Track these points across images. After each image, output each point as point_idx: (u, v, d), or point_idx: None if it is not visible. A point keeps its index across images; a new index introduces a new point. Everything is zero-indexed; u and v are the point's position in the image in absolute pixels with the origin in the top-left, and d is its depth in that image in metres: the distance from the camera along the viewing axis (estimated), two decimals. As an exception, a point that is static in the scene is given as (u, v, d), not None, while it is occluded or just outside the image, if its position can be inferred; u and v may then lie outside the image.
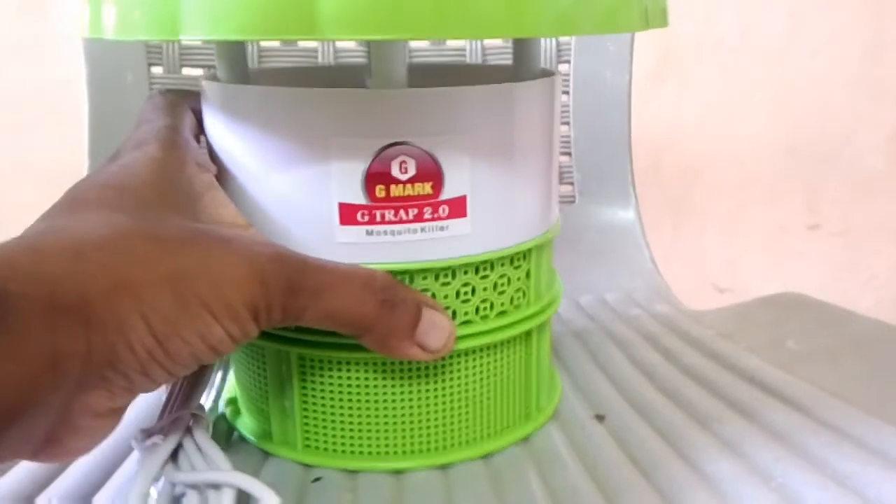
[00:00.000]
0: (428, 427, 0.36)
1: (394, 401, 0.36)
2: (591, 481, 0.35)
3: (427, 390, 0.36)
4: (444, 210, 0.34)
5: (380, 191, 0.33)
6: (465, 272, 0.35)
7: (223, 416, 0.41)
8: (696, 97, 0.95)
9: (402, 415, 0.36)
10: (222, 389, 0.41)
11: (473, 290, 0.35)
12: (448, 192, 0.33)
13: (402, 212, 0.33)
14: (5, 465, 0.35)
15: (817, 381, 0.42)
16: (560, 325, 0.53)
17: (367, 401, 0.36)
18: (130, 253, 0.27)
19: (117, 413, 0.28)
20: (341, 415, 0.36)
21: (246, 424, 0.40)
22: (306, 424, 0.37)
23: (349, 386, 0.36)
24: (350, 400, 0.36)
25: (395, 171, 0.33)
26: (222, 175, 0.36)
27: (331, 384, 0.36)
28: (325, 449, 0.37)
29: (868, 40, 0.95)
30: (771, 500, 0.32)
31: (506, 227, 0.36)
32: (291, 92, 0.33)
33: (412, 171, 0.33)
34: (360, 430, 0.36)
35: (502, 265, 0.36)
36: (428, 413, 0.36)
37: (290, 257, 0.30)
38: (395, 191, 0.33)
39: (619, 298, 0.58)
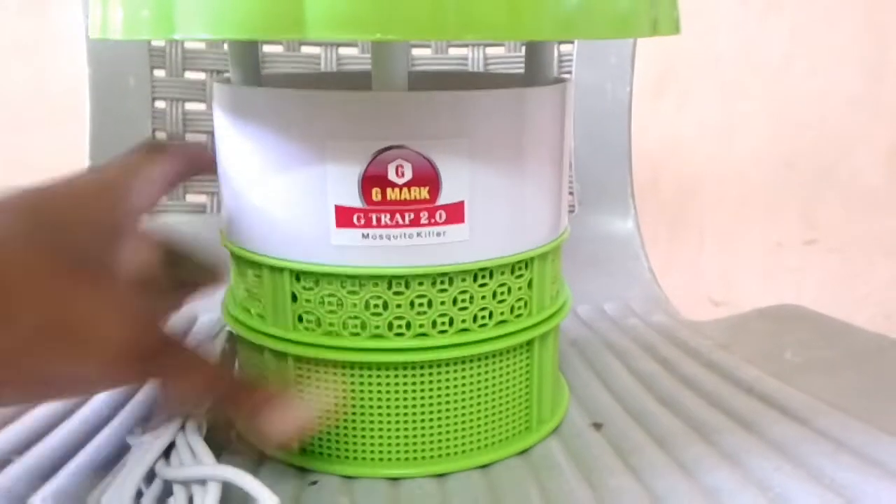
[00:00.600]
0: (423, 435, 0.36)
1: (389, 406, 0.36)
2: (589, 489, 0.34)
3: (422, 398, 0.36)
4: (441, 215, 0.33)
5: (376, 194, 0.33)
6: (463, 279, 0.35)
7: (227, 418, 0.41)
8: (695, 112, 0.95)
9: (398, 421, 0.36)
10: None
11: (471, 298, 0.35)
12: (445, 198, 0.33)
13: (398, 216, 0.33)
14: (33, 481, 0.35)
15: (815, 392, 0.42)
16: (558, 335, 0.53)
17: (363, 405, 0.36)
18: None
19: None
20: (337, 420, 0.36)
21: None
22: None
23: (345, 391, 0.35)
24: (346, 404, 0.36)
25: (392, 175, 0.32)
26: (226, 176, 0.36)
27: (326, 389, 0.36)
28: (322, 454, 0.37)
29: (867, 59, 0.95)
30: (768, 509, 0.32)
31: (507, 235, 0.35)
32: (290, 93, 0.33)
33: (409, 175, 0.33)
34: (356, 436, 0.36)
35: (502, 273, 0.36)
36: (423, 421, 0.36)
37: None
38: (392, 194, 0.33)
39: (618, 308, 0.58)
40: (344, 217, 0.33)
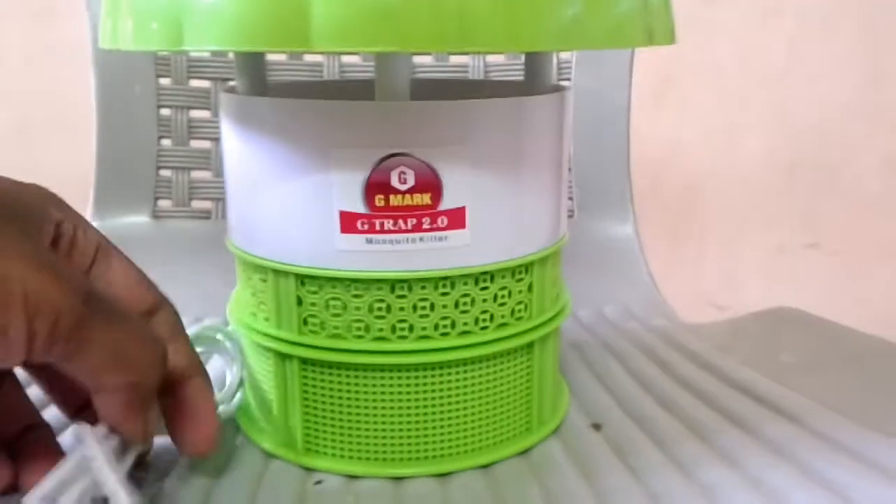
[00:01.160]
0: (426, 435, 0.37)
1: (392, 407, 0.36)
2: (588, 488, 0.35)
3: (425, 399, 0.36)
4: (442, 220, 0.34)
5: (379, 200, 0.33)
6: (465, 283, 0.36)
7: (232, 417, 0.42)
8: (695, 118, 0.96)
9: (401, 422, 0.37)
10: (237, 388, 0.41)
11: (473, 301, 0.36)
12: (447, 203, 0.34)
13: (401, 221, 0.34)
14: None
15: (810, 393, 0.42)
16: (558, 338, 0.54)
17: (367, 406, 0.36)
18: None
19: None
20: (342, 419, 0.37)
21: (251, 426, 0.40)
22: (307, 428, 0.37)
23: (350, 391, 0.36)
24: (350, 404, 0.36)
25: (395, 182, 0.33)
26: (232, 183, 0.37)
27: (332, 388, 0.37)
28: (326, 453, 0.38)
29: (866, 67, 0.96)
30: (762, 506, 0.32)
31: (507, 240, 0.36)
32: (295, 103, 0.34)
33: (411, 182, 0.33)
34: (360, 436, 0.37)
35: (503, 277, 0.37)
36: (426, 421, 0.37)
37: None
38: (395, 200, 0.34)
39: (617, 312, 0.59)
40: (348, 222, 0.34)
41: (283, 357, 0.37)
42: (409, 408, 0.36)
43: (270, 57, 0.65)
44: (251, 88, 0.38)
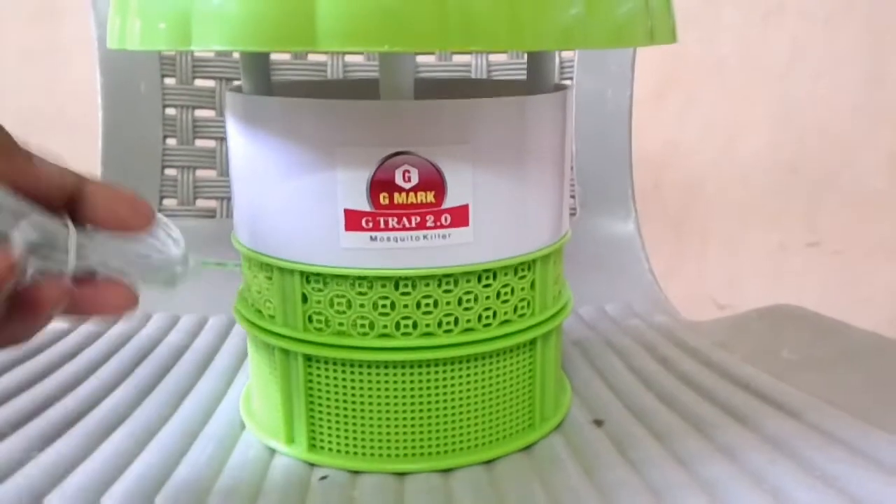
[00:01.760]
0: (429, 431, 0.37)
1: (396, 402, 0.37)
2: (590, 483, 0.35)
3: (428, 395, 0.37)
4: (446, 218, 0.35)
5: (383, 198, 0.34)
6: (468, 280, 0.36)
7: (237, 413, 0.42)
8: (697, 117, 0.96)
9: (405, 418, 0.37)
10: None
11: (476, 298, 0.36)
12: (450, 201, 0.34)
13: (405, 219, 0.34)
14: (53, 477, 0.36)
15: (810, 389, 0.43)
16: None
17: (371, 402, 0.37)
18: None
19: None
20: (345, 415, 0.37)
21: (256, 422, 0.41)
22: (312, 424, 0.38)
23: (353, 387, 0.37)
24: (354, 401, 0.37)
25: (399, 180, 0.34)
26: (238, 181, 0.37)
27: (335, 384, 0.37)
28: (330, 449, 0.38)
29: (868, 66, 0.96)
30: (762, 499, 0.33)
31: (509, 237, 0.37)
32: (301, 103, 0.34)
33: (415, 180, 0.34)
34: (364, 432, 0.37)
35: (505, 274, 0.37)
36: (429, 417, 0.37)
37: None
38: (399, 198, 0.34)
39: (619, 309, 0.59)
40: (353, 220, 0.34)
41: (287, 354, 0.38)
42: (412, 404, 0.37)
43: (275, 56, 0.65)
44: (256, 88, 0.39)
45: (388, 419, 0.37)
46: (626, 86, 0.67)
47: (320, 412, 0.38)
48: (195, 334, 0.54)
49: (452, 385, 0.37)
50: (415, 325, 0.36)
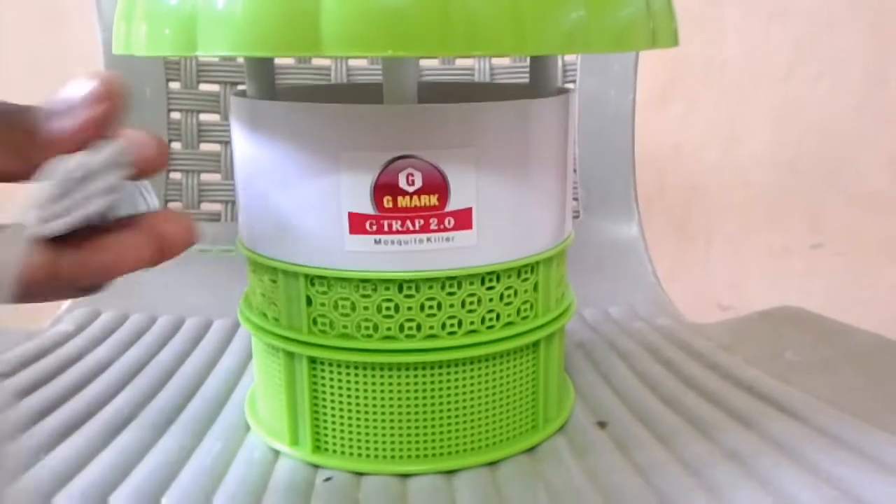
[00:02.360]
0: (432, 433, 0.38)
1: (400, 404, 0.37)
2: (593, 485, 0.36)
3: (432, 397, 0.37)
4: (449, 221, 0.35)
5: (387, 202, 0.34)
6: (471, 283, 0.36)
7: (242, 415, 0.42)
8: (700, 118, 0.96)
9: (408, 419, 0.37)
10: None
11: (479, 301, 0.37)
12: (454, 204, 0.35)
13: (408, 222, 0.34)
14: (60, 478, 0.36)
15: (814, 392, 0.43)
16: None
17: (375, 404, 0.37)
18: None
19: None
20: (349, 417, 0.37)
21: (261, 423, 0.41)
22: (316, 425, 0.38)
23: (357, 389, 0.37)
24: (358, 403, 0.37)
25: (403, 183, 0.34)
26: (243, 185, 0.38)
27: (340, 387, 0.37)
28: (334, 451, 0.38)
29: (871, 67, 0.96)
30: (767, 502, 0.33)
31: (513, 240, 0.37)
32: (305, 107, 0.34)
33: (419, 184, 0.34)
34: (368, 434, 0.37)
35: (509, 277, 0.37)
36: (432, 419, 0.37)
37: None
38: (402, 202, 0.34)
39: (622, 311, 0.59)
40: (357, 224, 0.34)
41: (292, 356, 0.38)
42: (416, 406, 0.37)
43: (279, 60, 0.65)
44: (261, 92, 0.39)
45: (391, 421, 0.37)
46: (629, 88, 0.67)
47: (325, 414, 0.38)
48: (200, 336, 0.55)
49: (456, 387, 0.37)
50: (419, 328, 0.36)
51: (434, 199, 0.34)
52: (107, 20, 0.64)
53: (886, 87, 0.97)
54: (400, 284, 0.35)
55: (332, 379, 0.37)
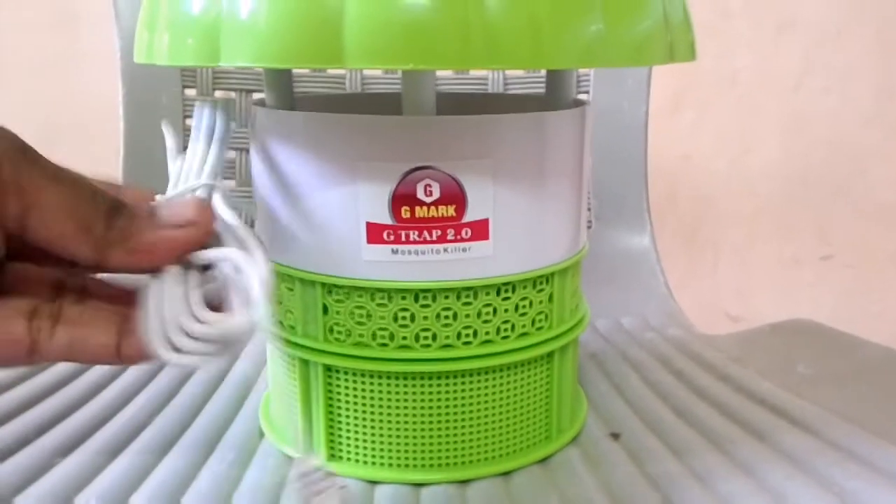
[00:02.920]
0: (446, 442, 0.38)
1: (414, 413, 0.37)
2: (607, 496, 0.36)
3: (446, 406, 0.37)
4: (466, 232, 0.35)
5: (405, 212, 0.34)
6: (487, 293, 0.36)
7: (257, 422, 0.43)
8: (710, 128, 0.97)
9: (423, 429, 0.37)
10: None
11: (495, 311, 0.37)
12: (471, 215, 0.35)
13: (426, 232, 0.35)
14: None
15: (826, 404, 0.43)
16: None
17: (390, 412, 0.37)
18: None
19: None
20: (364, 425, 0.38)
21: (275, 431, 0.41)
22: (331, 434, 0.38)
23: (372, 397, 0.37)
24: (373, 411, 0.37)
25: (420, 194, 0.34)
26: (260, 194, 0.38)
27: (355, 395, 0.37)
28: (348, 458, 0.38)
29: (881, 78, 0.96)
30: (780, 516, 0.33)
31: (529, 251, 0.37)
32: (324, 117, 0.35)
33: (436, 194, 0.34)
34: (382, 442, 0.38)
35: (524, 287, 0.37)
36: (446, 429, 0.37)
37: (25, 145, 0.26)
38: (420, 212, 0.34)
39: (634, 322, 0.60)
40: (374, 233, 0.35)
41: (308, 364, 0.38)
42: (430, 415, 0.37)
43: (295, 70, 0.66)
44: (280, 102, 0.39)
45: (406, 430, 0.37)
46: (643, 100, 0.67)
47: (339, 422, 0.38)
48: (213, 343, 0.55)
49: (471, 397, 0.37)
50: (434, 337, 0.36)
51: (451, 210, 0.35)
52: (125, 27, 0.64)
53: (895, 99, 0.97)
54: (416, 294, 0.36)
55: (347, 387, 0.37)
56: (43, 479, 0.36)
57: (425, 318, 0.36)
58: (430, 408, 0.37)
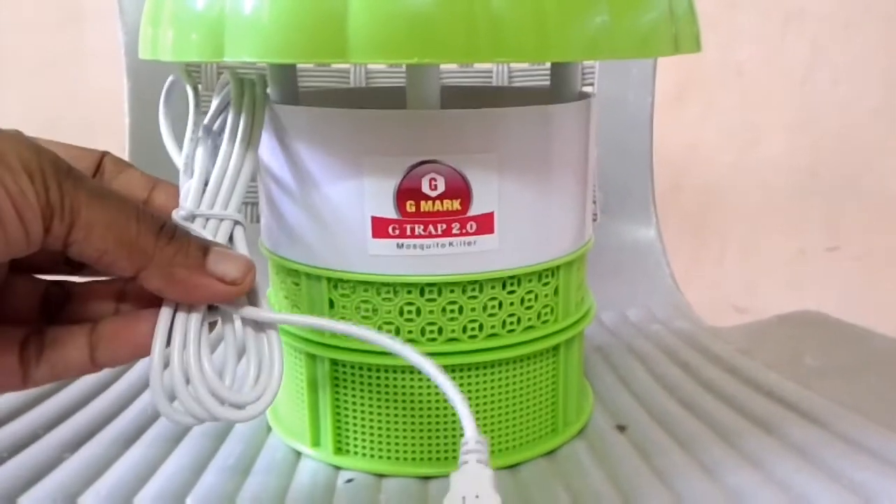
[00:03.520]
0: (453, 436, 0.38)
1: (421, 407, 0.37)
2: (614, 489, 0.36)
3: (453, 399, 0.37)
4: (471, 226, 0.35)
5: (410, 206, 0.34)
6: (492, 287, 0.36)
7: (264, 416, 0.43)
8: (718, 122, 0.96)
9: (430, 422, 0.37)
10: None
11: (500, 305, 0.37)
12: (476, 209, 0.35)
13: (431, 226, 0.35)
14: (85, 478, 0.37)
15: (834, 396, 0.43)
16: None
17: (396, 406, 0.37)
18: None
19: None
20: (371, 419, 0.38)
21: (283, 425, 0.41)
22: (338, 428, 0.38)
23: (379, 391, 0.37)
24: (380, 405, 0.37)
25: (425, 188, 0.34)
26: (266, 188, 0.38)
27: (361, 389, 0.37)
28: (356, 452, 0.38)
29: (889, 70, 0.95)
30: (787, 508, 0.33)
31: (534, 244, 0.37)
32: (328, 112, 0.35)
33: (441, 188, 0.34)
34: (389, 436, 0.38)
35: (529, 281, 0.37)
36: (454, 422, 0.38)
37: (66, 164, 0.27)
38: (425, 206, 0.34)
39: (640, 315, 0.60)
40: (380, 228, 0.35)
41: (314, 358, 0.38)
42: (437, 408, 0.37)
43: (299, 65, 0.66)
44: (284, 96, 0.39)
45: (413, 423, 0.37)
46: (648, 91, 0.67)
47: (346, 416, 0.38)
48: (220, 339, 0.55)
49: (477, 390, 0.37)
50: (440, 331, 0.36)
51: (456, 204, 0.34)
52: (129, 23, 0.64)
53: (905, 92, 0.96)
54: (422, 288, 0.36)
55: (353, 381, 0.37)
56: (52, 473, 0.37)
57: (431, 311, 0.36)
58: (437, 401, 0.37)
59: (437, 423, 0.37)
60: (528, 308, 0.38)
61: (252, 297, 0.31)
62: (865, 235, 1.00)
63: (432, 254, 0.35)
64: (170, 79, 0.39)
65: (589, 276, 0.43)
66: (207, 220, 0.31)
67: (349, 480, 0.37)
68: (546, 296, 0.38)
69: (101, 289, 0.31)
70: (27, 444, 0.39)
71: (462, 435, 0.29)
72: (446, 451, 0.38)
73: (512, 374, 0.38)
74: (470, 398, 0.37)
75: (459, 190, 0.34)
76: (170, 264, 0.28)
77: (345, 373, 0.38)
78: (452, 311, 0.36)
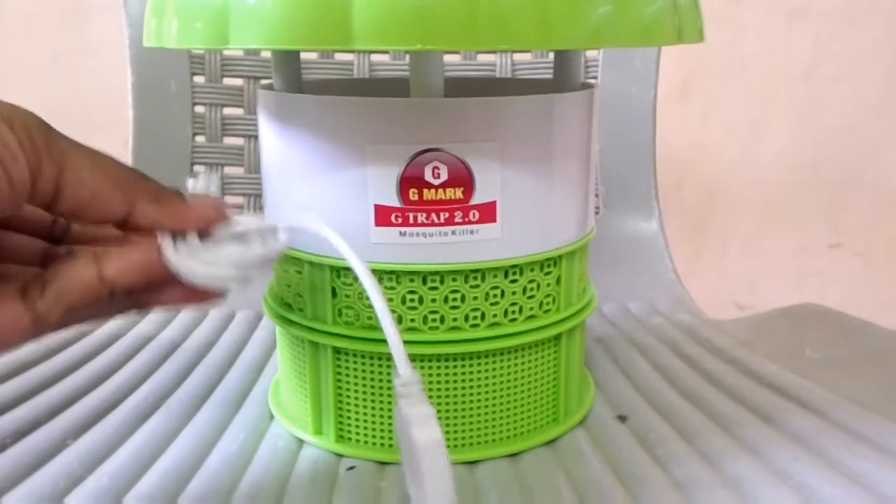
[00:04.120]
0: (454, 424, 0.38)
1: (424, 396, 0.37)
2: (614, 478, 0.36)
3: (454, 388, 0.37)
4: (474, 214, 0.35)
5: (413, 194, 0.34)
6: (495, 275, 0.37)
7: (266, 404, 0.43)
8: (720, 117, 0.96)
9: (431, 410, 0.38)
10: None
11: (502, 293, 0.37)
12: (479, 198, 0.35)
13: (433, 215, 0.35)
14: (88, 464, 0.37)
15: (834, 388, 0.43)
16: (583, 333, 0.54)
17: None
18: None
19: None
20: (373, 407, 0.38)
21: (285, 413, 0.41)
22: (340, 416, 0.39)
23: (381, 379, 0.37)
24: (381, 393, 0.37)
25: (429, 176, 0.34)
26: (269, 177, 0.38)
27: (363, 377, 0.38)
28: (357, 440, 0.39)
29: (892, 67, 0.95)
30: (787, 496, 0.33)
31: (536, 234, 0.37)
32: (332, 100, 0.35)
33: (444, 177, 0.34)
34: (390, 423, 0.38)
35: (532, 270, 0.38)
36: (454, 410, 0.38)
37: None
38: (428, 195, 0.34)
39: (642, 307, 0.60)
40: (383, 216, 0.35)
41: (317, 347, 0.38)
42: (438, 397, 0.37)
43: (303, 55, 0.66)
44: (288, 86, 0.40)
45: (414, 412, 0.38)
46: (651, 85, 0.67)
47: (348, 404, 0.38)
48: (223, 328, 0.55)
49: (478, 379, 0.38)
50: (442, 320, 0.36)
51: (459, 193, 0.35)
52: (134, 15, 0.64)
53: (907, 88, 0.96)
54: (424, 276, 0.36)
55: (355, 369, 0.38)
56: (55, 459, 0.37)
57: (433, 300, 0.36)
58: (438, 390, 0.37)
59: (439, 411, 0.38)
60: (530, 297, 0.38)
61: None
62: (867, 231, 1.00)
63: (435, 242, 0.35)
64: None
65: (591, 268, 0.44)
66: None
67: (351, 468, 0.37)
68: (548, 285, 0.38)
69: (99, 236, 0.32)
70: (31, 429, 0.40)
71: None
72: (447, 440, 0.38)
73: (514, 363, 0.38)
74: (472, 386, 0.38)
75: (462, 178, 0.35)
76: (159, 194, 0.29)
77: (347, 361, 0.38)
78: (455, 299, 0.36)
